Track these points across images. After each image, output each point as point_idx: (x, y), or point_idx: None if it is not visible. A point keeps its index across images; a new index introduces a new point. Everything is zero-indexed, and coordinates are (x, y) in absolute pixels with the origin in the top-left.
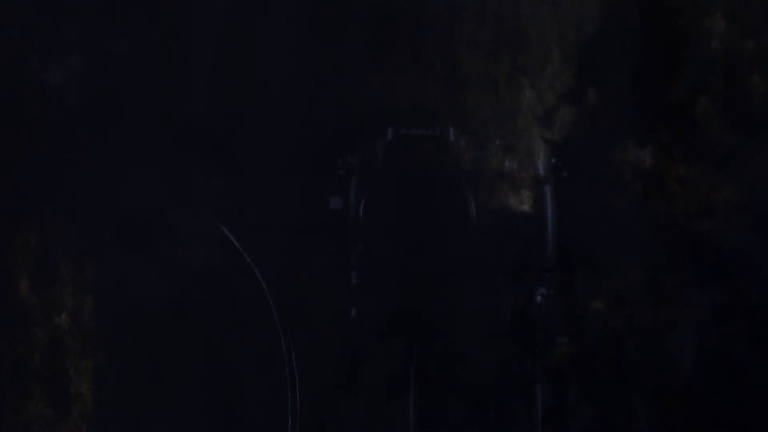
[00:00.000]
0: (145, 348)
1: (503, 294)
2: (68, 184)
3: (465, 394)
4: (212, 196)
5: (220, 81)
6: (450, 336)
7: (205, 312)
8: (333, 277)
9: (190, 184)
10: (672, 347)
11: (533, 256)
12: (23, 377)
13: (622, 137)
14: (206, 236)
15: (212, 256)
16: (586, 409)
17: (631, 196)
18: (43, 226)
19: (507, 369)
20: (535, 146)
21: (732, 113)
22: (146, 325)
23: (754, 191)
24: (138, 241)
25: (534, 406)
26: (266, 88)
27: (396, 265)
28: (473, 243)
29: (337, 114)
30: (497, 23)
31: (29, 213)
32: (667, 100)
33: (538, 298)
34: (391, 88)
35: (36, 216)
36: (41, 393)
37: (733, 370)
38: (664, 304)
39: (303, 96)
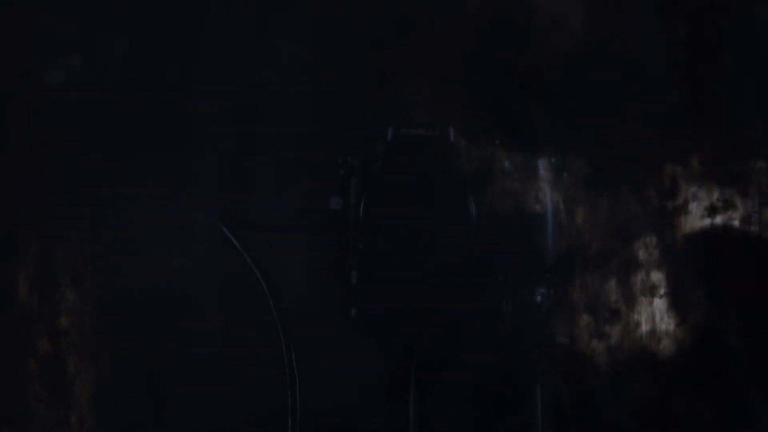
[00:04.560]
0: (144, 351)
1: (503, 294)
2: (69, 187)
3: (465, 393)
4: (213, 195)
5: (222, 81)
6: (450, 336)
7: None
8: (333, 277)
9: (191, 183)
10: None
11: (533, 256)
12: (23, 382)
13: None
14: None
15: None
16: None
17: None
18: (44, 229)
19: (507, 369)
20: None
21: None
22: (145, 327)
23: None
24: (138, 242)
25: (534, 406)
26: (269, 88)
27: (396, 265)
28: (473, 243)
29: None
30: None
31: (30, 216)
32: None
33: (538, 298)
34: (392, 88)
35: (36, 219)
36: (41, 398)
37: None
38: None
39: (305, 95)
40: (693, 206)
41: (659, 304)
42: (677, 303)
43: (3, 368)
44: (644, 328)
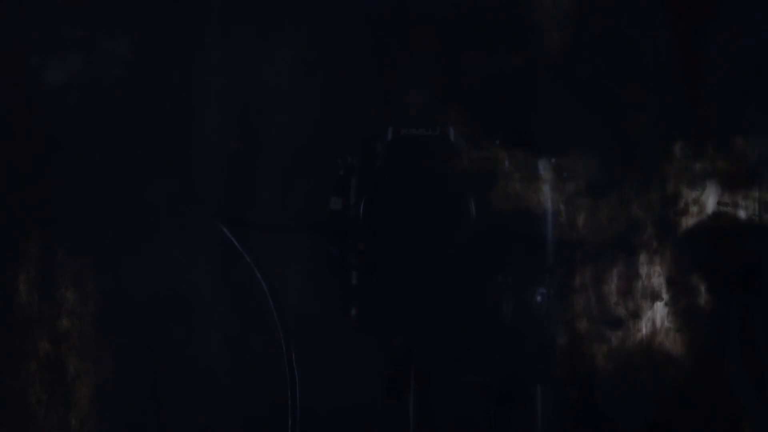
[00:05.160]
0: (144, 353)
1: (503, 294)
2: (70, 187)
3: (465, 393)
4: (214, 195)
5: (223, 81)
6: (450, 336)
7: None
8: (333, 277)
9: (192, 184)
10: None
11: (533, 256)
12: (23, 385)
13: None
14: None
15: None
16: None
17: None
18: (44, 230)
19: (507, 369)
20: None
21: None
22: (145, 329)
23: None
24: (139, 243)
25: (534, 406)
26: (269, 89)
27: (396, 265)
28: (473, 243)
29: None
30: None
31: (30, 217)
32: None
33: (538, 298)
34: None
35: (37, 220)
36: (41, 400)
37: None
38: None
39: (305, 96)
40: (695, 208)
41: (660, 306)
42: (679, 307)
43: (3, 370)
44: (645, 329)
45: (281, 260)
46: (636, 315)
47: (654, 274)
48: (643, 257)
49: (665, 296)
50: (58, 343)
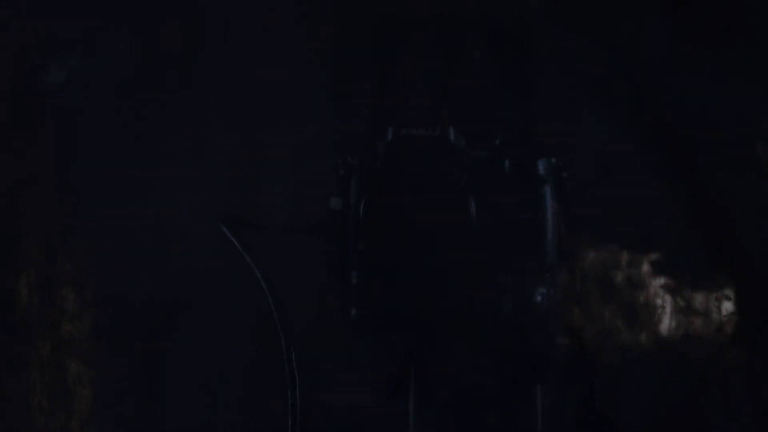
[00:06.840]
0: (145, 356)
1: (503, 294)
2: (71, 189)
3: (465, 394)
4: (214, 196)
5: (224, 81)
6: (450, 336)
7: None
8: (333, 277)
9: (192, 185)
10: None
11: (533, 256)
12: (24, 387)
13: None
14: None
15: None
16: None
17: None
18: (46, 232)
19: (507, 369)
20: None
21: None
22: (146, 332)
23: None
24: (138, 244)
25: (534, 406)
26: (269, 89)
27: (396, 265)
28: (473, 243)
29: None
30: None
31: (31, 219)
32: None
33: (538, 298)
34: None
35: (38, 222)
36: (41, 405)
37: None
38: None
39: (305, 96)
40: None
41: (664, 307)
42: (682, 308)
43: (4, 375)
44: (646, 327)
45: (281, 260)
46: (638, 315)
47: (656, 275)
48: (644, 257)
49: (669, 297)
50: (59, 347)
